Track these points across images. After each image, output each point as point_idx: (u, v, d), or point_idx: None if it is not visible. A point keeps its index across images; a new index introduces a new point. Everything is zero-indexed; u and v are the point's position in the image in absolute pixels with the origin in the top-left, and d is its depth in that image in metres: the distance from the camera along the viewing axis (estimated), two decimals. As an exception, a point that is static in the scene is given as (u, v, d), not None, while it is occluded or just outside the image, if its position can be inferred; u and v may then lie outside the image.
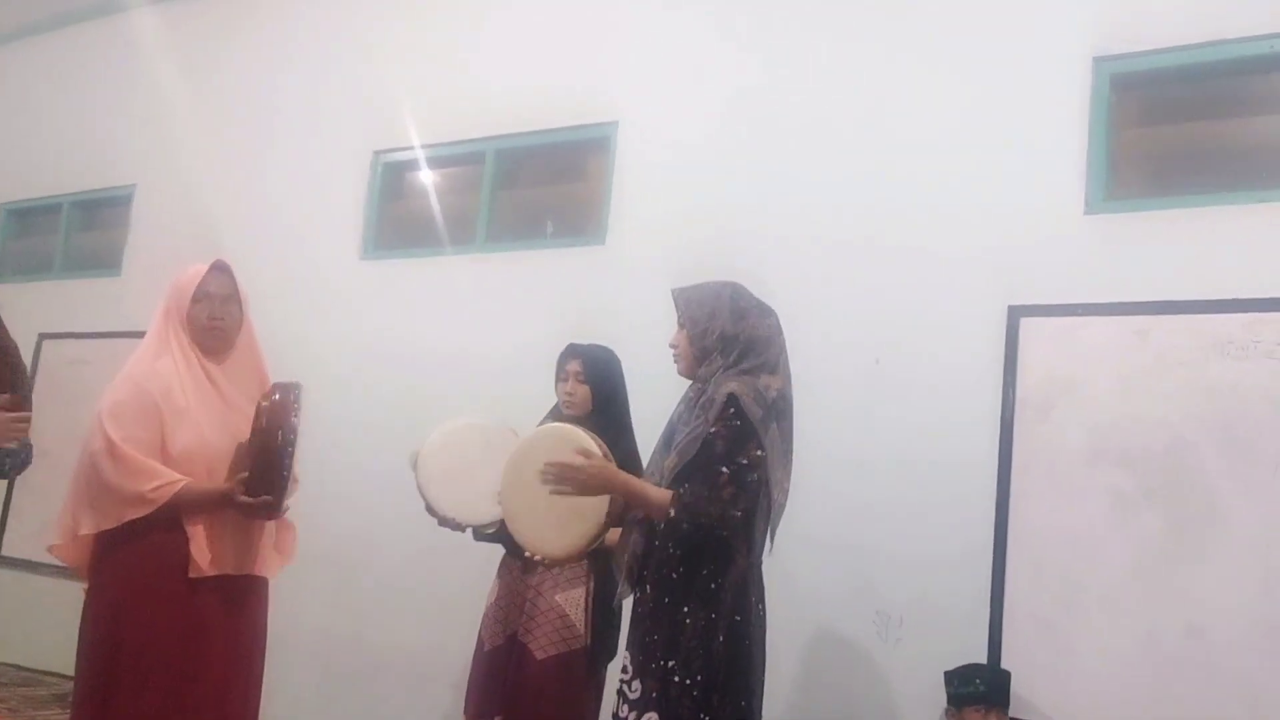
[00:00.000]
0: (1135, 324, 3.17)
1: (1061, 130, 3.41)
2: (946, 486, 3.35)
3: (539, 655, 2.87)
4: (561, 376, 3.06)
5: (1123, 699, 2.99)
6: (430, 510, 2.95)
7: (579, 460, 2.33)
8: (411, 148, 4.89)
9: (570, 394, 3.01)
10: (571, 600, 2.90)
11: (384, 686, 4.36)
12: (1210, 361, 3.05)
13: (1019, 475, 3.25)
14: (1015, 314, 3.35)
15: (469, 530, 3.00)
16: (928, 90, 3.66)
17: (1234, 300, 3.05)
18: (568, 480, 2.33)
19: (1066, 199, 3.37)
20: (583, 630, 2.89)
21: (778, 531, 2.39)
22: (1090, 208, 3.34)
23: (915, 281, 3.55)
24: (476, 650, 3.04)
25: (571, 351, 3.08)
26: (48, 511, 4.19)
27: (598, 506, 2.40)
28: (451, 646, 4.09)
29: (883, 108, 3.74)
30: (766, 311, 2.46)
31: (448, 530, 3.02)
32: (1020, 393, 3.30)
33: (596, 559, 2.79)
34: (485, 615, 3.05)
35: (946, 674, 3.05)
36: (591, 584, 2.91)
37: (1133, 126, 3.47)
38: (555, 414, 3.06)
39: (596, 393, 3.00)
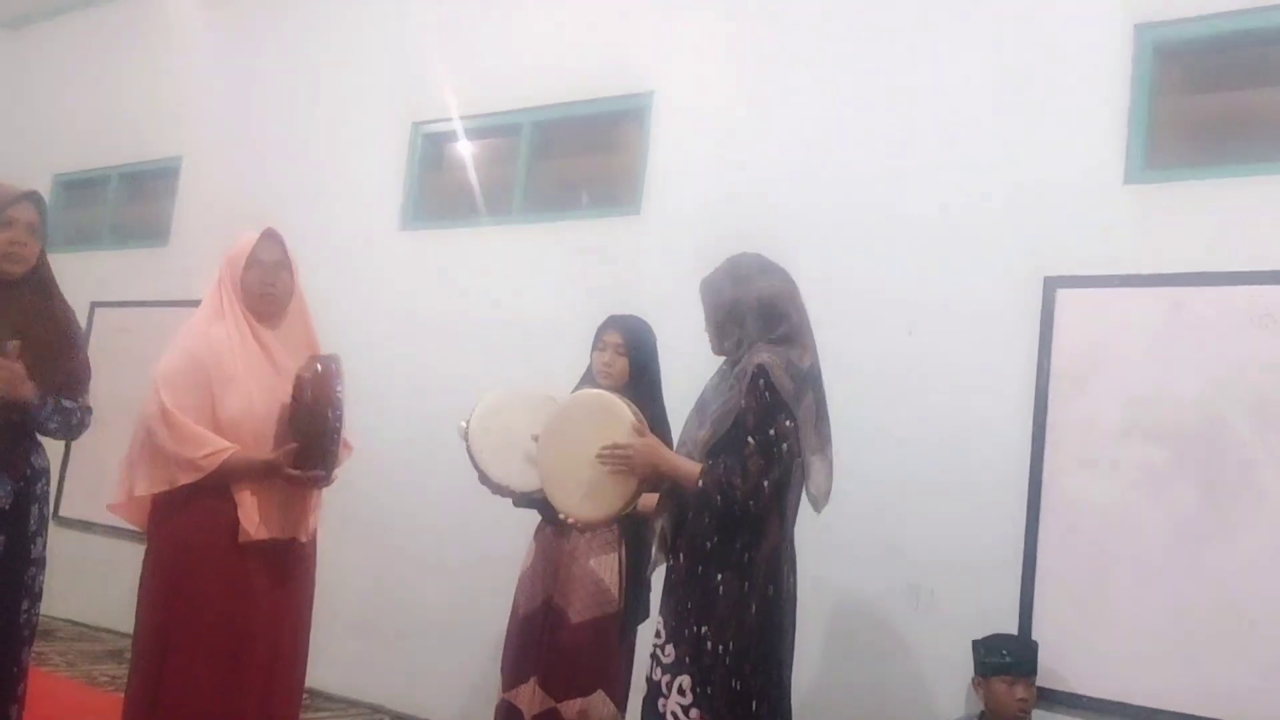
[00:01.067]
0: (1171, 295, 3.15)
1: (1101, 99, 3.37)
2: (980, 457, 3.36)
3: (574, 619, 2.93)
4: (600, 346, 3.09)
5: (1153, 671, 3.00)
6: (483, 479, 3.00)
7: (628, 436, 2.39)
8: (450, 119, 4.94)
9: (608, 365, 3.05)
10: (605, 565, 2.97)
11: (423, 650, 4.47)
12: (1246, 334, 3.03)
13: (1052, 446, 3.25)
14: (1051, 285, 3.34)
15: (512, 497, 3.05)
16: (966, 59, 3.63)
17: (1271, 272, 3.01)
18: (620, 460, 2.39)
19: (1105, 169, 3.34)
20: (616, 595, 2.95)
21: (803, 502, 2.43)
22: (1129, 177, 3.31)
23: (951, 251, 3.54)
24: (511, 616, 3.12)
25: (612, 323, 3.11)
26: (101, 474, 4.35)
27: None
28: (488, 610, 4.19)
29: (919, 76, 3.71)
30: (771, 270, 2.48)
31: (485, 495, 3.08)
32: (1055, 364, 3.30)
33: (627, 525, 2.85)
34: (520, 580, 3.12)
35: (974, 643, 3.08)
36: (623, 549, 2.97)
37: (1173, 95, 3.42)
38: (588, 380, 3.10)
39: (634, 365, 3.05)
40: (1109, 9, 3.40)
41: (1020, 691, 2.95)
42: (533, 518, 3.17)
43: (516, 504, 3.07)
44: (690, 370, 2.72)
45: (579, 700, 2.92)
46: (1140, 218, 3.27)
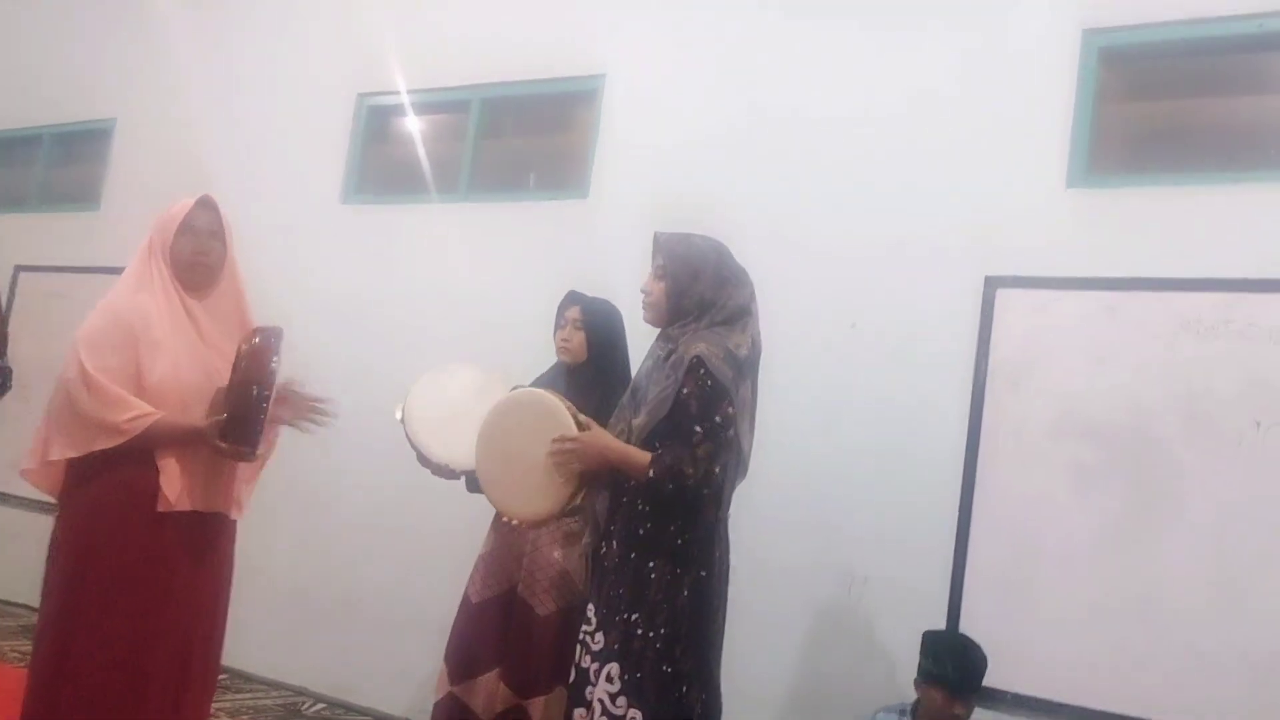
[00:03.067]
0: (1107, 299, 3.21)
1: (1047, 102, 3.41)
2: (917, 449, 3.40)
3: (540, 611, 2.84)
4: (560, 323, 3.03)
5: (1076, 666, 3.05)
6: (423, 460, 2.93)
7: (572, 435, 2.35)
8: (397, 92, 4.84)
9: (566, 340, 2.98)
10: (569, 556, 2.87)
11: (351, 633, 4.39)
12: (1179, 339, 3.09)
13: (987, 442, 3.30)
14: (992, 285, 3.38)
15: (462, 478, 2.97)
16: (913, 55, 3.65)
17: (1206, 280, 3.08)
18: (569, 455, 2.35)
19: (1048, 172, 3.38)
20: (581, 587, 2.80)
21: (745, 488, 2.42)
22: (1071, 182, 3.36)
23: (894, 247, 3.56)
24: (462, 604, 3.00)
25: (571, 299, 3.05)
26: (20, 443, 4.19)
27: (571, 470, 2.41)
28: (421, 595, 4.14)
29: (867, 71, 3.73)
30: (745, 280, 2.46)
31: (421, 479, 3.02)
32: (992, 363, 3.34)
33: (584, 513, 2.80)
34: (475, 568, 3.01)
35: (925, 635, 2.97)
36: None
37: (1118, 102, 3.48)
38: (556, 366, 3.02)
39: (592, 341, 2.96)
40: (1058, 12, 3.44)
41: (957, 709, 2.82)
42: (467, 497, 3.11)
43: (470, 489, 2.97)
44: (637, 351, 2.69)
45: (545, 696, 2.82)
46: (1081, 222, 3.32)
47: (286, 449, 2.81)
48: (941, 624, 3.22)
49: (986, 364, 3.35)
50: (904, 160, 3.60)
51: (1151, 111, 3.55)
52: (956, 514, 3.29)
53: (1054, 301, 3.29)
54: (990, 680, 2.98)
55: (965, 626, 3.18)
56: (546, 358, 3.14)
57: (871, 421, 3.48)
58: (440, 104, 4.85)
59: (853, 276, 3.62)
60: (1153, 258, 3.17)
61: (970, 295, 3.41)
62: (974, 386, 3.35)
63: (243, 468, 2.63)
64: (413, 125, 4.96)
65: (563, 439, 2.36)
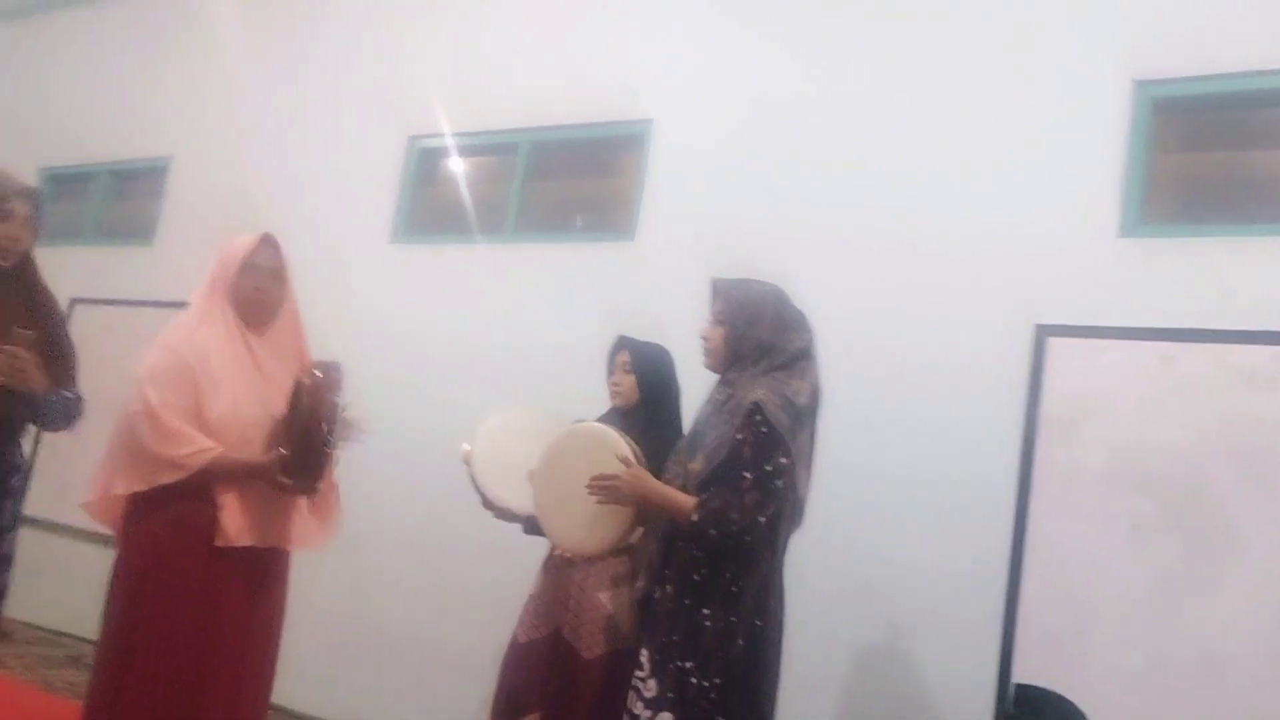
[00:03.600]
0: (1160, 349, 3.18)
1: (1099, 152, 3.41)
2: (964, 500, 3.36)
3: (585, 655, 2.82)
4: (611, 368, 3.05)
5: (1130, 722, 3.00)
6: (486, 503, 2.94)
7: (617, 468, 2.36)
8: (447, 135, 4.93)
9: (617, 384, 3.00)
10: (616, 599, 2.84)
11: (393, 671, 4.40)
12: (1234, 391, 3.05)
13: (1038, 493, 3.26)
14: (1042, 333, 3.36)
15: (521, 523, 2.97)
16: (965, 103, 3.66)
17: (1262, 332, 3.05)
18: (605, 490, 2.37)
19: (1101, 221, 3.37)
20: (627, 630, 2.78)
21: (792, 536, 2.41)
22: (1124, 231, 3.34)
23: (943, 292, 3.56)
24: (510, 644, 2.99)
25: (621, 343, 3.06)
26: (71, 473, 4.27)
27: (628, 507, 2.43)
28: (465, 636, 4.14)
29: (918, 117, 3.74)
30: (805, 325, 2.46)
31: (471, 519, 3.03)
32: (1043, 411, 3.31)
33: (639, 556, 2.76)
34: (524, 609, 3.00)
35: (1016, 687, 2.89)
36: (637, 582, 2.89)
37: (1171, 152, 3.47)
38: (611, 411, 3.02)
39: (643, 385, 2.97)
40: (1110, 63, 3.45)
41: None
42: (512, 540, 3.11)
43: (527, 531, 2.98)
44: (683, 394, 2.69)
45: None
46: (1134, 271, 3.30)
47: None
48: (992, 676, 3.17)
49: (1037, 413, 3.31)
50: (954, 206, 3.60)
51: (1205, 162, 3.53)
52: (1007, 565, 3.25)
53: (1106, 351, 3.26)
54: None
55: (1017, 679, 3.12)
56: (592, 395, 3.15)
57: (918, 471, 3.45)
58: (489, 146, 4.92)
59: (900, 323, 3.61)
60: (1207, 308, 3.14)
61: (1020, 343, 3.38)
62: (1024, 436, 3.31)
63: (308, 502, 2.65)
64: (462, 167, 5.03)
65: (601, 475, 2.37)
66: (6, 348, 2.45)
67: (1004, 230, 3.50)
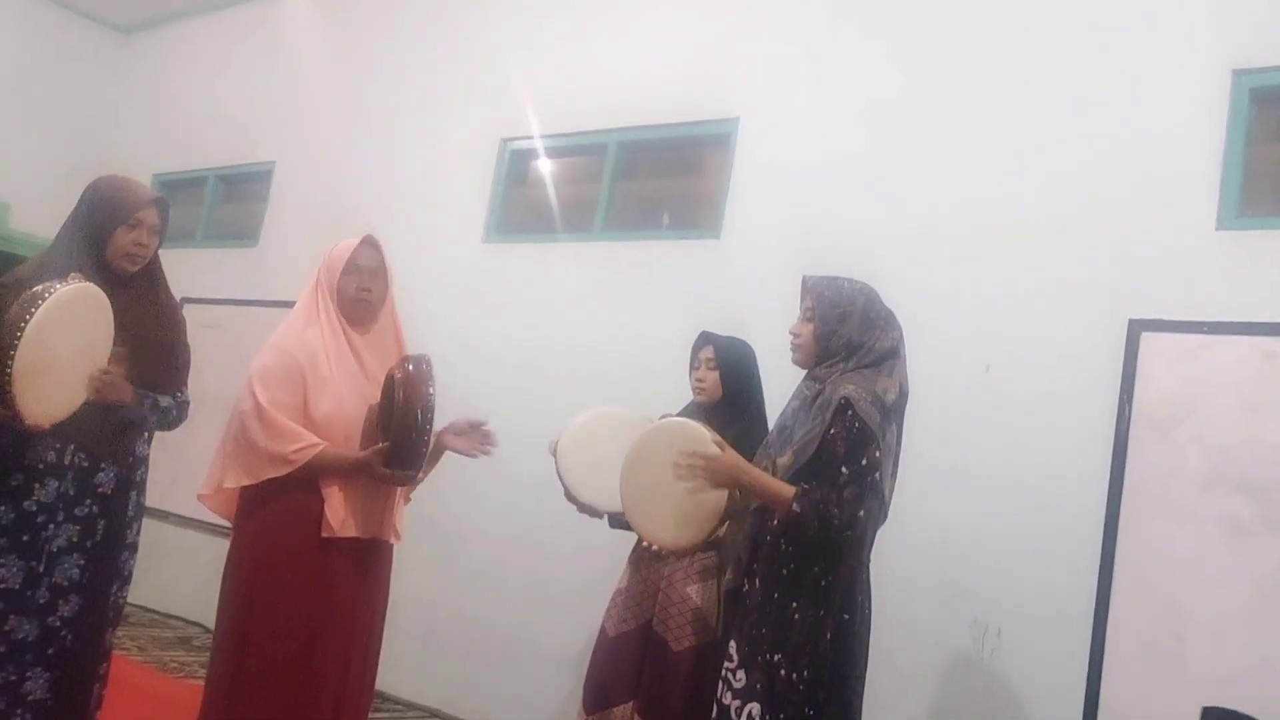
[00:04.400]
0: (1263, 345, 3.08)
1: (1196, 143, 3.32)
2: (1054, 499, 3.31)
3: (675, 647, 2.87)
4: (694, 364, 3.09)
5: (1227, 731, 2.92)
6: (569, 497, 3.01)
7: (714, 451, 2.39)
8: (537, 137, 5.03)
9: (700, 380, 3.04)
10: (704, 593, 2.89)
11: (485, 661, 4.52)
12: (1341, 388, 2.96)
13: (1131, 494, 3.19)
14: (1136, 328, 3.29)
15: (605, 517, 3.04)
16: (1058, 99, 3.60)
17: (1370, 327, 2.94)
18: (700, 470, 2.39)
19: (1198, 213, 3.28)
20: (714, 623, 2.84)
21: (878, 533, 2.42)
22: (1222, 224, 3.25)
23: (1035, 288, 3.50)
24: (600, 636, 3.06)
25: (704, 339, 3.10)
26: (180, 466, 4.48)
27: (717, 500, 2.45)
28: (552, 625, 4.25)
29: (1010, 111, 3.69)
30: (894, 324, 2.48)
31: (558, 513, 3.11)
32: (1137, 409, 3.24)
33: (726, 550, 2.80)
34: (612, 602, 3.07)
35: (1206, 710, 2.81)
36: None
37: (1270, 142, 3.36)
38: (691, 405, 3.08)
39: (726, 380, 3.01)
40: (1207, 53, 3.36)
41: None
42: (599, 535, 3.18)
43: (612, 525, 3.05)
44: (770, 392, 2.71)
45: None
46: (1232, 265, 3.21)
47: (425, 482, 2.92)
48: (1080, 680, 3.12)
49: (1130, 412, 3.25)
50: (1046, 198, 3.55)
51: (1307, 153, 3.42)
52: (1097, 570, 3.19)
53: (1204, 347, 3.18)
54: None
55: (1107, 690, 3.07)
56: (677, 392, 3.21)
57: (1007, 470, 3.41)
58: (578, 147, 5.01)
59: (988, 317, 3.57)
60: (1311, 303, 3.05)
61: (1113, 339, 3.31)
62: (1117, 434, 3.25)
63: (396, 493, 2.77)
64: (552, 167, 5.14)
65: (694, 453, 2.39)
66: (96, 372, 2.57)
67: (1098, 224, 3.44)
